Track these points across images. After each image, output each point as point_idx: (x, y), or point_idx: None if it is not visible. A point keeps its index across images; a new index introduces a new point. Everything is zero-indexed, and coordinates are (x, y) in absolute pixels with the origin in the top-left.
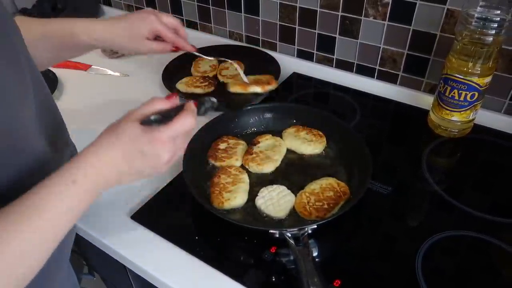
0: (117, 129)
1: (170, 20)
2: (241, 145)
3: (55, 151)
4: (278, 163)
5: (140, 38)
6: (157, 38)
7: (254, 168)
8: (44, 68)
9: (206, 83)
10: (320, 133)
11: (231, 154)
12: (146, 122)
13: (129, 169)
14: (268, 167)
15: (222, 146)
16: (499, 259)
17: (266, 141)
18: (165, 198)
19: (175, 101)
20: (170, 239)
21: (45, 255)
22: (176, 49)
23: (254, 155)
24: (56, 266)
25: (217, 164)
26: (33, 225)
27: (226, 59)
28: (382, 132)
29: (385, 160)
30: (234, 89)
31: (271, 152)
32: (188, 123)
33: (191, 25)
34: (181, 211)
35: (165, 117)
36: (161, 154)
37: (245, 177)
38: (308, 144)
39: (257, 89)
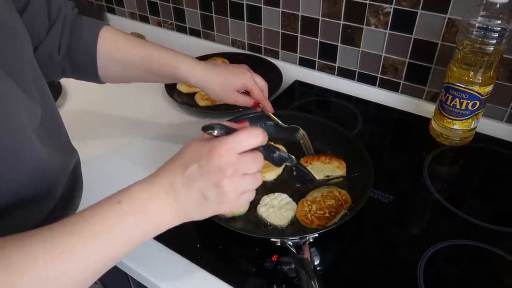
0: (179, 150)
1: (260, 81)
2: None
3: (60, 160)
4: (280, 171)
5: (231, 89)
6: (244, 91)
7: None
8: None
9: None
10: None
11: None
12: (208, 128)
13: (189, 189)
14: (270, 175)
15: None
16: (501, 269)
17: None
18: None
19: (246, 125)
20: (171, 247)
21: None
22: (256, 105)
23: None
24: None
25: None
26: (66, 247)
27: (298, 127)
28: (383, 140)
29: (387, 168)
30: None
31: None
32: (254, 134)
33: (194, 33)
34: None
35: (230, 132)
36: (221, 167)
37: None
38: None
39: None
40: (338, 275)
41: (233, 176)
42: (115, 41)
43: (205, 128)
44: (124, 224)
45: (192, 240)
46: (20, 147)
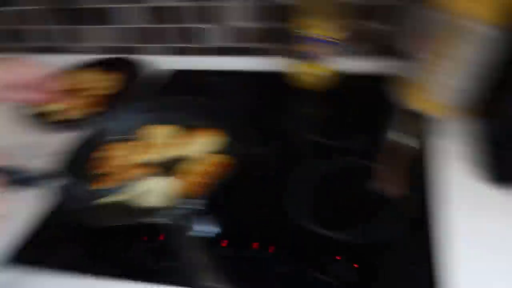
0: None
1: None
2: None
3: None
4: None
5: None
6: None
7: None
8: None
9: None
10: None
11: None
12: None
13: None
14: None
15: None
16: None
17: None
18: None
19: None
20: (59, 271)
21: None
22: None
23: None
24: None
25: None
26: None
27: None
28: (259, 104)
29: (262, 126)
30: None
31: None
32: None
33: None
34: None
35: None
36: None
37: None
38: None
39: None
40: (230, 237)
41: None
42: None
43: None
44: None
45: (75, 254)
46: None
